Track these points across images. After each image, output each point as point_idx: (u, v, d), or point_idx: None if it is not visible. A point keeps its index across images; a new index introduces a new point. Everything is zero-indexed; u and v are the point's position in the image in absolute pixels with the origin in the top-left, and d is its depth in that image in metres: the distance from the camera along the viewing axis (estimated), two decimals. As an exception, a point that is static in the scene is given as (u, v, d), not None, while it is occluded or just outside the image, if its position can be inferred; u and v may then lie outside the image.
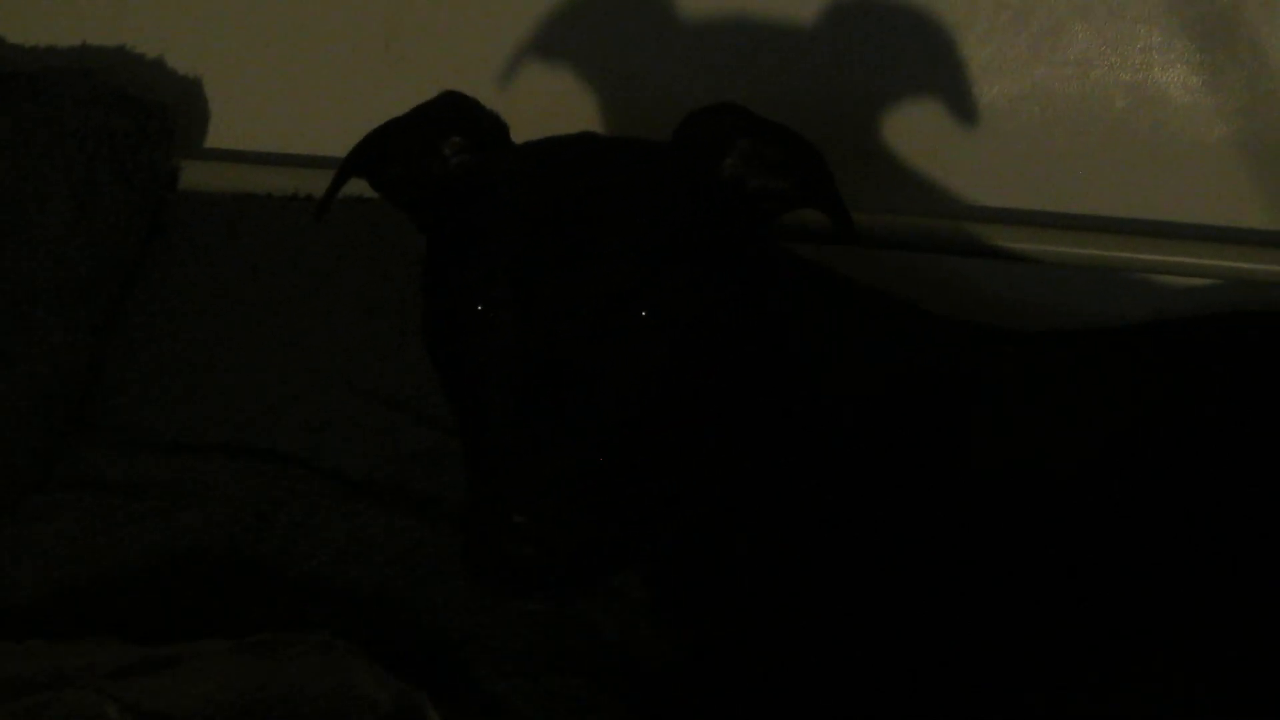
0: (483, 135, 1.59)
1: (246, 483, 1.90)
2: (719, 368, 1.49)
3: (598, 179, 1.49)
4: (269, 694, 1.42)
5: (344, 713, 1.44)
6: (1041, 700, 1.50)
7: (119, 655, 1.52)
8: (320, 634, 1.58)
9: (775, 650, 1.56)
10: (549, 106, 2.20)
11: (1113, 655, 1.49)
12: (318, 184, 2.13)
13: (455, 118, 1.59)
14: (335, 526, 1.84)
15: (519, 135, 1.61)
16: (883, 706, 1.52)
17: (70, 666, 1.48)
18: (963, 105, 2.11)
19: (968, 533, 1.55)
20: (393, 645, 1.64)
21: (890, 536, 1.55)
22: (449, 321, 1.49)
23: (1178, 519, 1.53)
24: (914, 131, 2.13)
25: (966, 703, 1.51)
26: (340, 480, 1.91)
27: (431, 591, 1.76)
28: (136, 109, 2.19)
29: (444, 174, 1.59)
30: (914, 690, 1.52)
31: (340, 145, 2.18)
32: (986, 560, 1.54)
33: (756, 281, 1.54)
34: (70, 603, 1.79)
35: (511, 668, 1.66)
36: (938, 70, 2.12)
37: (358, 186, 1.66)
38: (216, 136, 2.37)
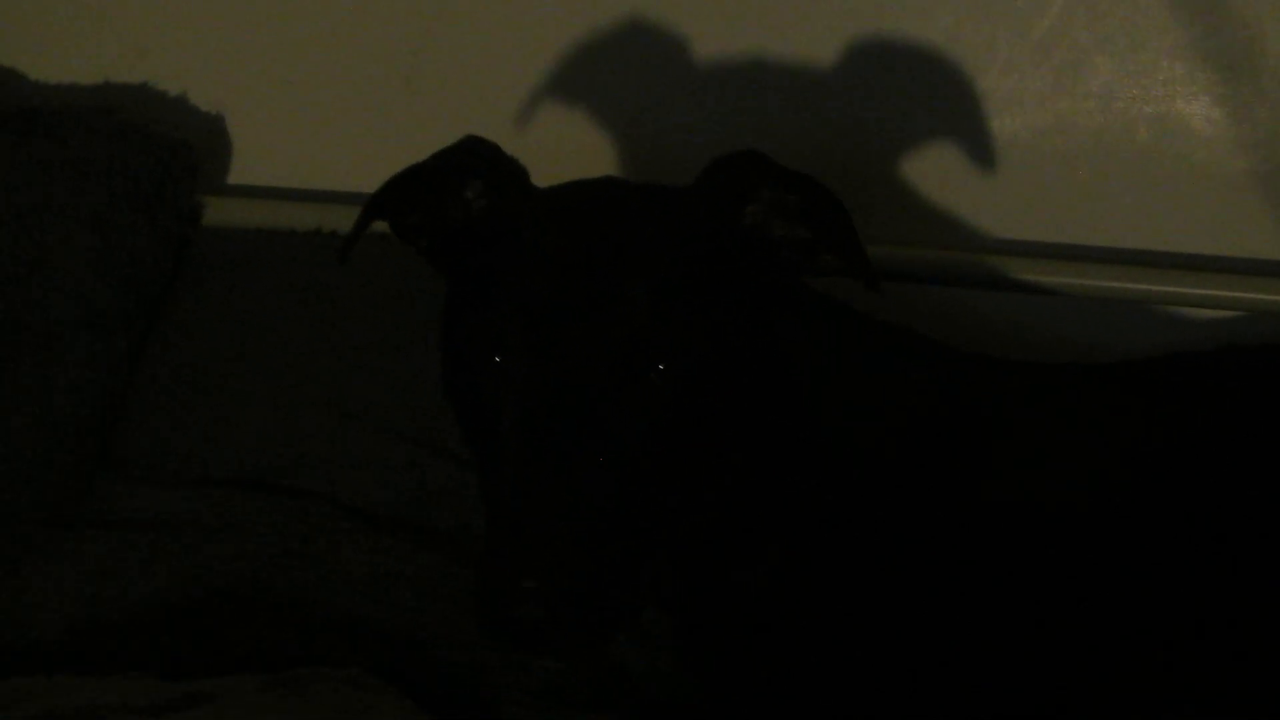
0: (503, 180, 1.57)
1: (272, 518, 1.90)
2: (736, 413, 1.48)
3: (618, 227, 1.49)
4: (300, 731, 1.42)
5: (374, 749, 1.44)
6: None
7: (151, 691, 1.53)
8: (350, 669, 1.58)
9: (793, 684, 1.56)
10: (565, 144, 2.20)
11: (1130, 690, 1.49)
12: (340, 219, 2.15)
13: (476, 163, 1.58)
14: (361, 562, 1.84)
15: (535, 173, 1.61)
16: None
17: (103, 703, 1.48)
18: (984, 138, 2.11)
19: (983, 567, 1.55)
20: (419, 680, 1.64)
21: (906, 570, 1.55)
22: (466, 369, 1.48)
23: (1193, 554, 1.53)
24: (935, 164, 2.13)
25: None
26: (365, 516, 1.91)
27: (457, 627, 1.76)
28: (160, 146, 2.20)
29: (465, 219, 1.58)
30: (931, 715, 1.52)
31: (361, 181, 2.18)
32: (1001, 596, 1.54)
33: (775, 324, 1.53)
34: (98, 638, 1.79)
35: (536, 703, 1.66)
36: (959, 103, 2.12)
37: (381, 223, 1.65)
38: (239, 173, 2.38)
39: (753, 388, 1.49)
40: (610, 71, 2.23)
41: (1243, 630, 1.49)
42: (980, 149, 2.12)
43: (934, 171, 2.14)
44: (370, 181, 1.61)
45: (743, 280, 1.50)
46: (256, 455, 2.00)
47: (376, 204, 1.59)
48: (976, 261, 2.08)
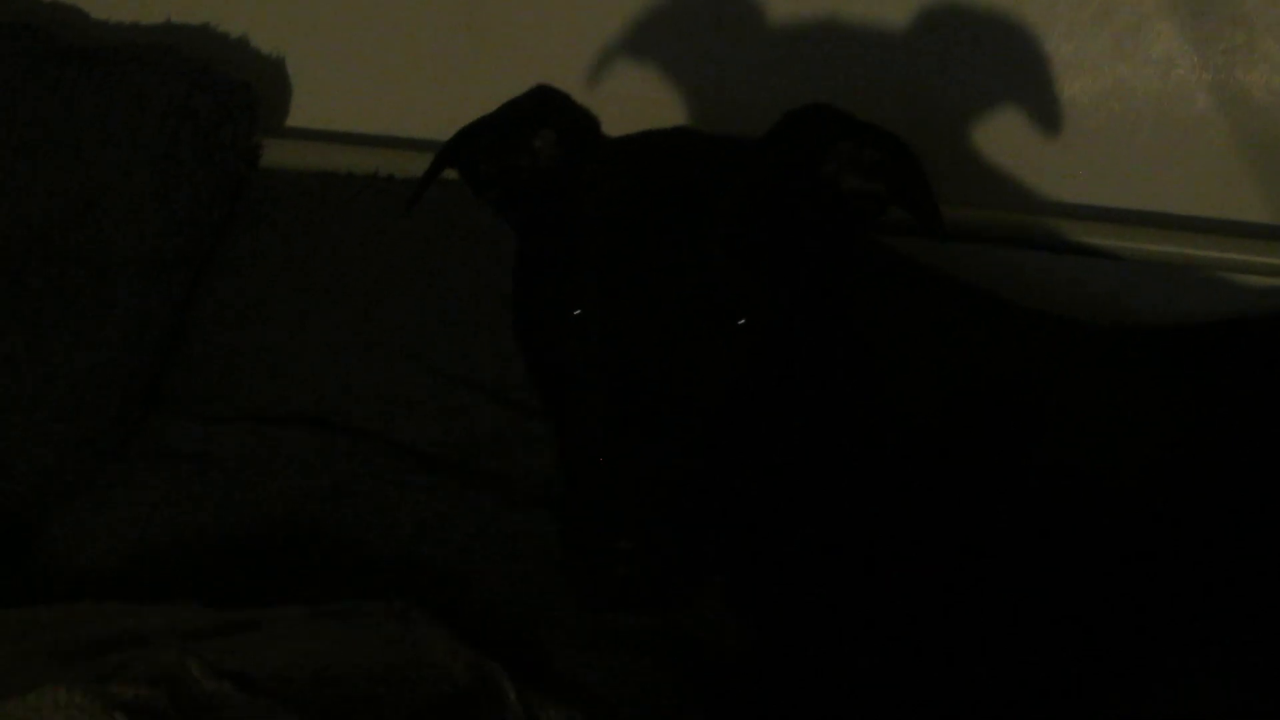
0: (574, 130, 1.57)
1: (323, 456, 1.91)
2: (810, 366, 1.48)
3: (694, 179, 1.47)
4: (346, 659, 1.42)
5: (419, 681, 1.44)
6: (1118, 698, 1.50)
7: (198, 618, 1.53)
8: (397, 602, 1.58)
9: (844, 640, 1.56)
10: (630, 95, 2.20)
11: (1179, 652, 1.49)
12: (398, 164, 2.15)
13: (547, 112, 1.57)
14: (410, 502, 1.85)
15: (608, 128, 1.60)
16: (945, 691, 1.52)
17: (150, 627, 1.49)
18: (1044, 102, 2.11)
19: (1039, 525, 1.55)
20: (465, 619, 1.64)
21: (962, 526, 1.55)
22: (543, 322, 1.47)
23: (1253, 518, 1.53)
24: (995, 127, 2.13)
25: (1032, 692, 1.51)
26: (416, 457, 1.92)
27: (504, 567, 1.77)
28: (220, 86, 2.20)
29: (535, 170, 1.58)
30: (977, 679, 1.52)
31: (420, 126, 2.21)
32: (1057, 555, 1.54)
33: (843, 277, 1.53)
34: (147, 569, 1.81)
35: (583, 644, 1.67)
36: (1021, 67, 2.12)
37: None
38: (298, 115, 2.38)
39: (825, 340, 1.49)
40: (680, 25, 2.22)
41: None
42: (1040, 112, 2.11)
43: (993, 133, 2.13)
44: (428, 127, 1.63)
45: (816, 233, 1.49)
46: (309, 394, 2.01)
47: (447, 154, 1.58)
48: (1033, 223, 2.08)
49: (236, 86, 2.22)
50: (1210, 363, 1.68)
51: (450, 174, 1.62)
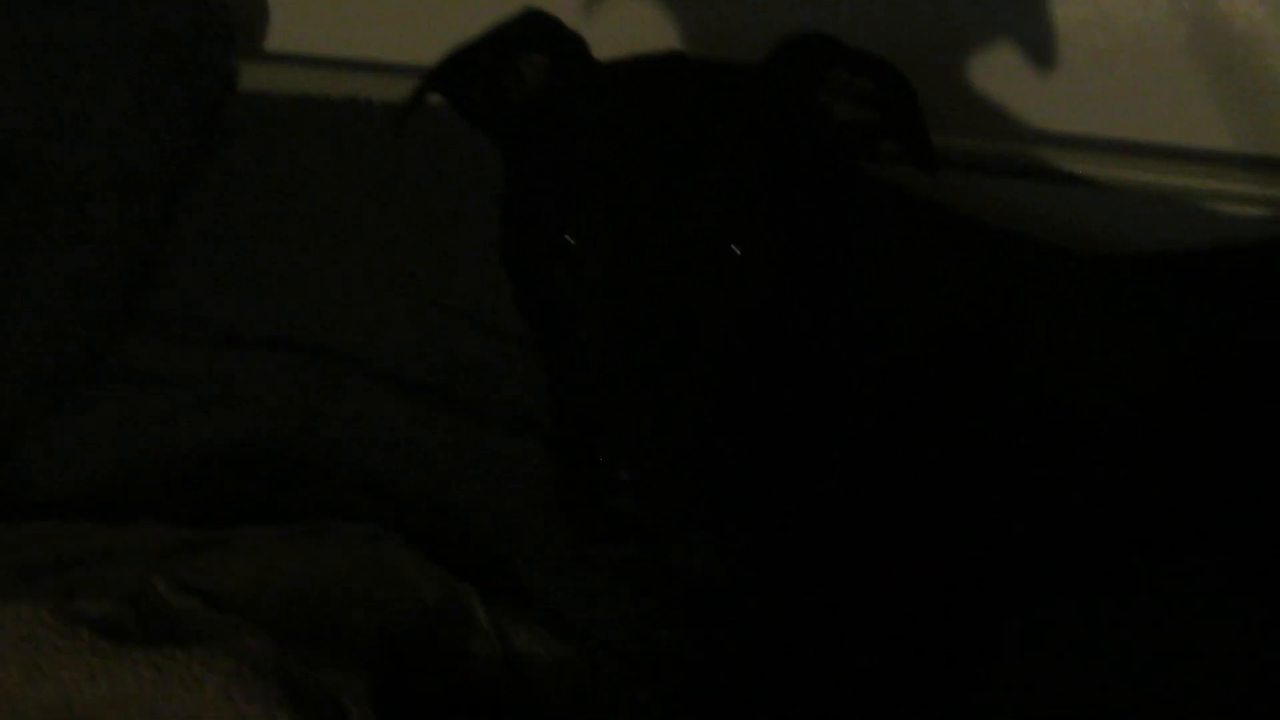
0: (564, 54, 1.54)
1: (298, 379, 1.91)
2: (806, 296, 1.47)
3: (689, 104, 1.45)
4: (316, 578, 1.43)
5: (390, 600, 1.45)
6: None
7: (166, 536, 1.53)
8: (368, 524, 1.58)
9: (833, 565, 1.56)
10: (622, 20, 2.18)
11: (1155, 569, 1.50)
12: (377, 88, 2.15)
13: (536, 36, 1.55)
14: (385, 425, 1.85)
15: (595, 50, 1.57)
16: (935, 620, 1.53)
17: (119, 546, 1.49)
18: (1027, 32, 2.10)
19: (1026, 449, 1.55)
20: (436, 541, 1.64)
21: (950, 452, 1.55)
22: (535, 251, 1.45)
23: (1233, 445, 1.53)
24: (978, 57, 2.12)
25: (1014, 613, 1.52)
26: (390, 379, 1.91)
27: (477, 490, 1.77)
28: (196, 7, 2.19)
29: (525, 94, 1.55)
30: (966, 601, 1.52)
31: (399, 50, 2.19)
32: (1042, 478, 1.54)
33: (836, 205, 1.51)
34: (118, 492, 1.80)
35: (553, 566, 1.67)
36: (1002, -4, 2.11)
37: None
38: (276, 39, 2.36)
39: (820, 268, 1.48)
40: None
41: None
42: (1023, 42, 2.10)
43: (974, 62, 2.13)
44: (407, 51, 1.61)
45: (810, 161, 1.48)
46: (286, 317, 2.00)
47: (434, 77, 1.56)
48: (1015, 151, 2.08)
49: (213, 7, 2.21)
50: (1191, 290, 1.68)
51: (433, 98, 1.61)
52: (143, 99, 2.10)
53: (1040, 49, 2.10)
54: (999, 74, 2.12)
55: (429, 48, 1.58)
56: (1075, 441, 1.55)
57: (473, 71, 1.56)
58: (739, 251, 1.39)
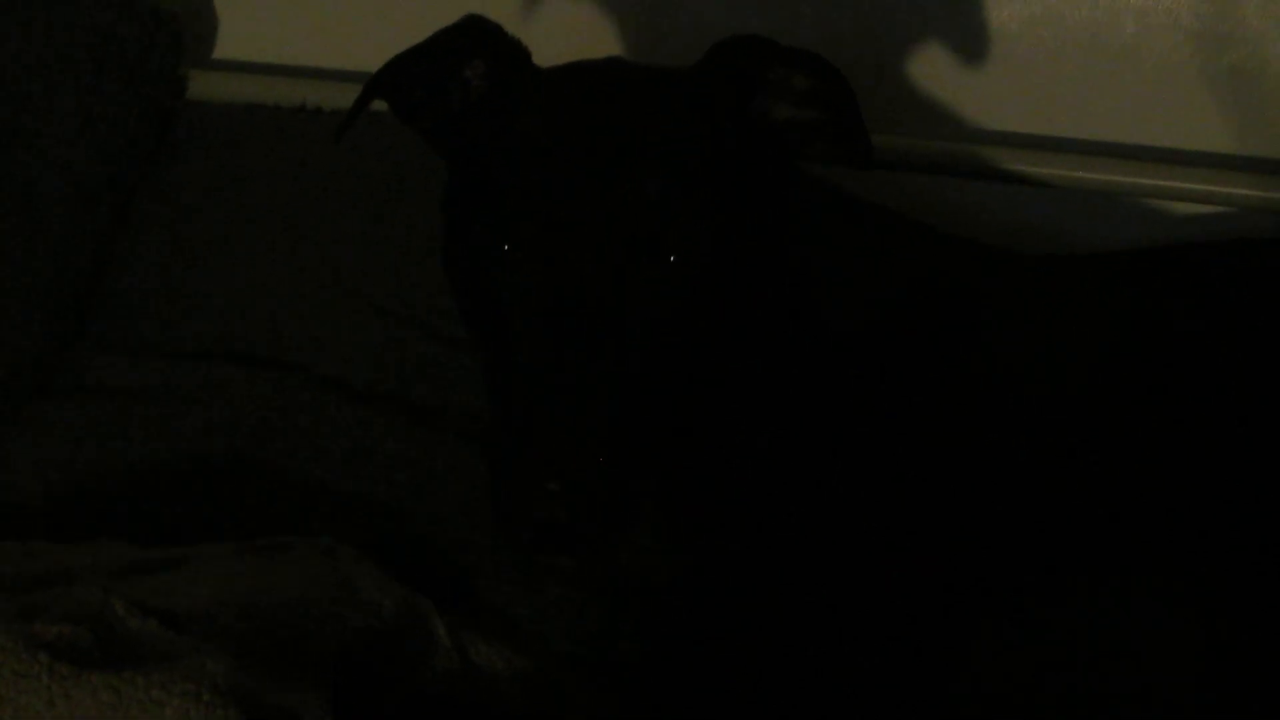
0: (505, 61, 1.55)
1: (250, 389, 1.91)
2: (741, 300, 1.47)
3: (626, 113, 1.46)
4: (273, 595, 1.42)
5: (347, 615, 1.45)
6: (1033, 601, 1.52)
7: (123, 555, 1.53)
8: (323, 539, 1.58)
9: (780, 560, 1.57)
10: (566, 27, 2.18)
11: (1096, 568, 1.51)
12: (325, 95, 2.14)
13: (477, 42, 1.55)
14: (339, 434, 1.85)
15: (538, 57, 1.58)
16: (873, 611, 1.53)
17: (75, 565, 1.48)
18: (973, 28, 2.10)
19: (966, 448, 1.55)
20: (393, 552, 1.64)
21: (891, 452, 1.56)
22: (473, 258, 1.45)
23: (1177, 442, 1.54)
24: (925, 54, 2.13)
25: (958, 605, 1.53)
26: (344, 389, 1.91)
27: (433, 500, 1.77)
28: (145, 16, 2.18)
29: (466, 100, 1.56)
30: (907, 595, 1.53)
31: (348, 58, 2.19)
32: (983, 476, 1.54)
33: (773, 208, 1.52)
34: (73, 507, 1.80)
35: (513, 579, 1.67)
36: (949, -7, 2.12)
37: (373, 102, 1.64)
38: (225, 47, 2.36)
39: (756, 273, 1.49)
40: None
41: (1223, 520, 1.50)
42: (969, 39, 2.11)
43: (922, 60, 2.13)
44: (355, 59, 1.61)
45: (746, 164, 1.48)
46: (236, 328, 2.00)
47: (376, 84, 1.56)
48: (963, 151, 2.08)
49: (162, 17, 2.20)
50: (1141, 291, 1.69)
51: (380, 105, 1.60)
52: (91, 108, 2.10)
53: (989, 47, 2.10)
54: (948, 73, 2.13)
55: (378, 55, 1.58)
56: (1024, 442, 1.56)
57: (414, 78, 1.56)
58: (674, 260, 1.39)
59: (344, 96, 1.91)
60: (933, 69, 2.13)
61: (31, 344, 2.01)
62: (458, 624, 1.52)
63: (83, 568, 1.47)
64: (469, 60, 1.55)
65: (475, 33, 1.56)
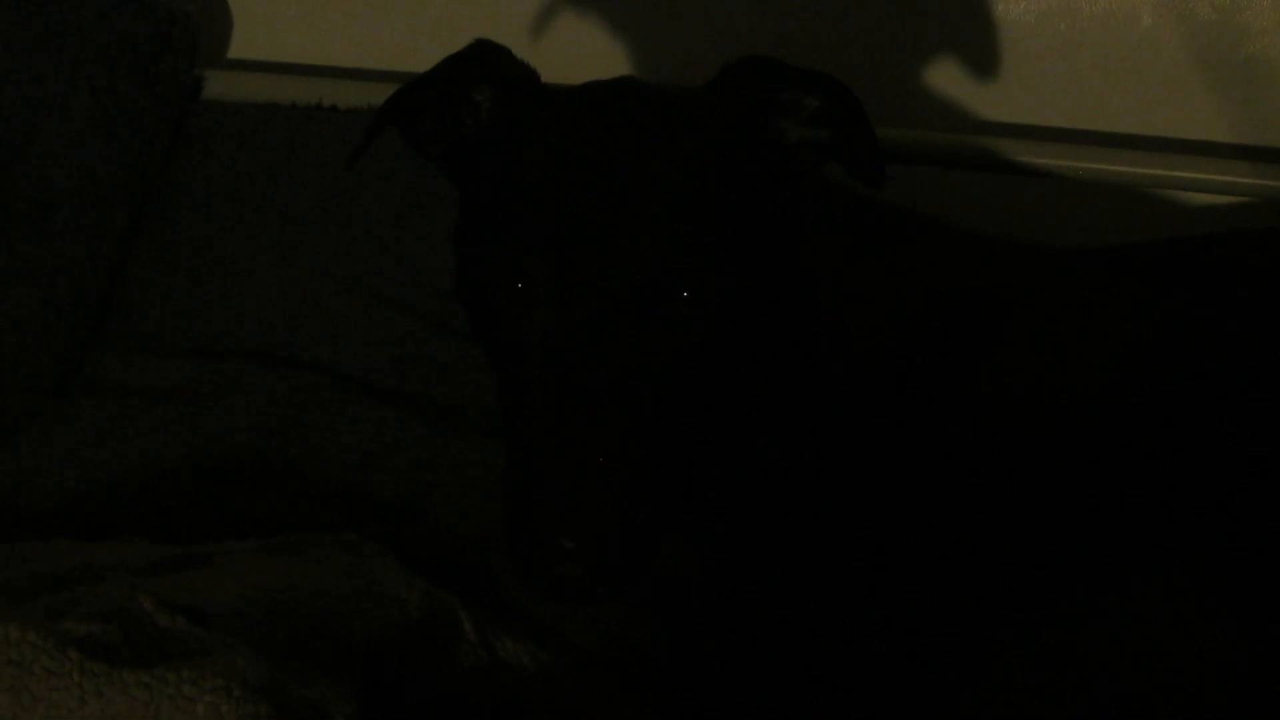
0: (514, 85, 1.53)
1: (270, 388, 1.91)
2: (759, 326, 1.47)
3: (638, 139, 1.44)
4: (299, 591, 1.42)
5: (373, 610, 1.44)
6: (1067, 604, 1.51)
7: (148, 553, 1.52)
8: (347, 535, 1.58)
9: (806, 567, 1.56)
10: (572, 45, 2.18)
11: (1124, 571, 1.50)
12: (341, 94, 2.14)
13: (485, 68, 1.54)
14: (359, 433, 1.85)
15: (545, 77, 1.57)
16: (899, 615, 1.53)
17: (100, 563, 1.48)
18: (989, 21, 2.10)
19: (990, 448, 1.55)
20: (415, 549, 1.64)
21: (916, 455, 1.55)
22: (484, 285, 1.43)
23: (1195, 436, 1.53)
24: (941, 47, 2.13)
25: (981, 615, 1.52)
26: (364, 387, 1.92)
27: (454, 498, 1.77)
28: (160, 17, 2.19)
29: (476, 126, 1.54)
30: (933, 599, 1.53)
31: (363, 55, 2.19)
32: (1008, 475, 1.54)
33: (789, 226, 1.51)
34: (94, 505, 1.80)
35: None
36: (965, -14, 2.12)
37: (381, 96, 1.63)
38: (240, 47, 2.36)
39: (774, 296, 1.47)
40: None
41: (1249, 516, 1.49)
42: (985, 32, 2.11)
43: (938, 53, 2.13)
44: (370, 57, 1.60)
45: (760, 187, 1.47)
46: (255, 326, 2.00)
47: (386, 112, 1.54)
48: (979, 143, 2.08)
49: (177, 17, 2.21)
50: (1158, 282, 1.68)
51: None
52: (106, 110, 2.10)
53: (1003, 40, 2.10)
54: (964, 66, 2.13)
55: (391, 52, 1.58)
56: (1046, 437, 1.55)
57: (423, 105, 1.55)
58: (688, 295, 1.38)
59: (359, 94, 1.92)
60: (949, 62, 2.13)
61: (51, 344, 2.02)
62: (483, 619, 1.51)
63: (108, 566, 1.47)
64: (477, 86, 1.54)
65: (483, 58, 1.54)
